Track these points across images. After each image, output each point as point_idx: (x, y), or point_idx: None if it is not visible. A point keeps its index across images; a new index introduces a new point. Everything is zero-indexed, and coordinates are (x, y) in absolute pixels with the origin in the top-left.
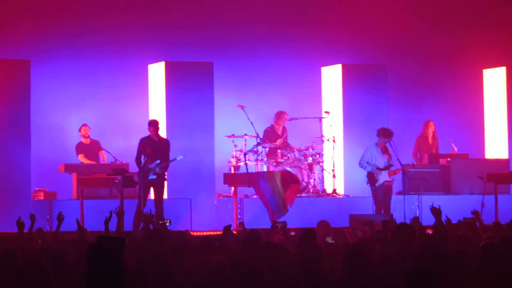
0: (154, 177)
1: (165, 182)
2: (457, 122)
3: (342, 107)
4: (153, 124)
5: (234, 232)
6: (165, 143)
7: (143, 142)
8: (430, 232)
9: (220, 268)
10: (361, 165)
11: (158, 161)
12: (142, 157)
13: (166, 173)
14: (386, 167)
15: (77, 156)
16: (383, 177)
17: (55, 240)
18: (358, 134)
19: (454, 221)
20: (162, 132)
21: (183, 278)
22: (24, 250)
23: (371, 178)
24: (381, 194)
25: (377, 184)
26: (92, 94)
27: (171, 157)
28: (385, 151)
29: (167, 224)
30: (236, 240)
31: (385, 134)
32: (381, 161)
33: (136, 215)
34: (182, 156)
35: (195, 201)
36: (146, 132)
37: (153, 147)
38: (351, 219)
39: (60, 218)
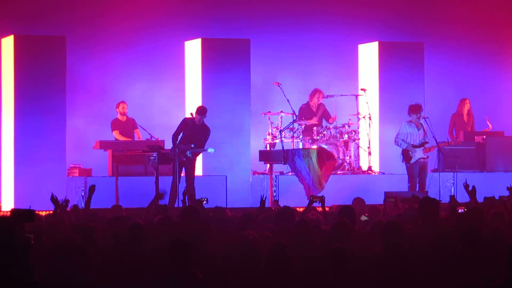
0: (184, 159)
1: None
2: (492, 99)
3: (378, 85)
4: (201, 112)
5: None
6: (205, 131)
7: (186, 123)
8: (461, 210)
9: (247, 243)
10: (396, 142)
11: (193, 145)
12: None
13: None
14: (421, 144)
15: (112, 132)
16: (418, 154)
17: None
18: (394, 112)
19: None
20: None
21: (213, 253)
22: (58, 228)
23: (406, 155)
24: (416, 172)
25: (412, 162)
26: (129, 71)
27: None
28: (420, 128)
29: (204, 202)
30: (271, 216)
31: (415, 109)
32: (416, 138)
33: (172, 191)
34: (213, 150)
35: (230, 178)
36: (182, 108)
37: (193, 131)
38: (386, 196)
39: (92, 190)
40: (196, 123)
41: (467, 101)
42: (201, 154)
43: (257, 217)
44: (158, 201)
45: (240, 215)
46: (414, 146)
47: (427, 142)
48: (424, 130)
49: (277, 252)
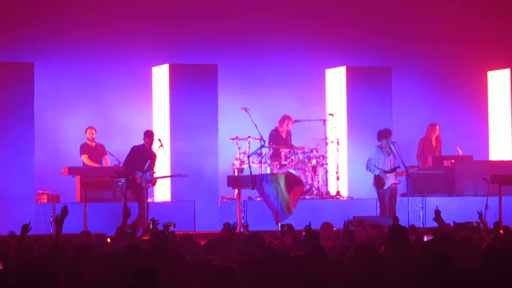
0: (149, 185)
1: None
2: (461, 124)
3: (346, 109)
4: (148, 135)
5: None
6: (153, 156)
7: (137, 150)
8: (427, 238)
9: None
10: (368, 168)
11: (153, 172)
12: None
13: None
14: (393, 170)
15: (80, 156)
16: (390, 180)
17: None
18: (362, 137)
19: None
20: (166, 135)
21: (183, 279)
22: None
23: (378, 182)
24: (387, 197)
25: (385, 188)
26: (96, 96)
27: (172, 168)
28: (390, 153)
29: (171, 227)
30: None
31: (385, 134)
32: (387, 164)
33: (138, 218)
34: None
35: (199, 203)
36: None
37: (146, 157)
38: (355, 220)
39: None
40: (147, 148)
41: (437, 127)
42: (168, 179)
43: (223, 242)
44: (63, 219)
45: (206, 241)
46: (386, 172)
47: (398, 167)
48: (393, 155)
49: (312, 281)
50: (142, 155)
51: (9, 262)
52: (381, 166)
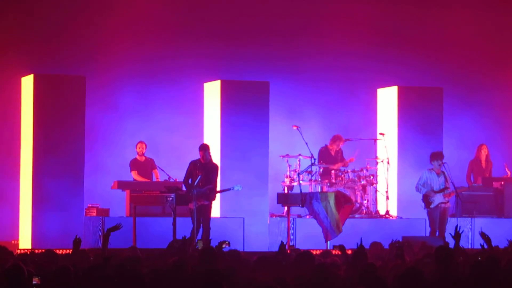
0: (206, 202)
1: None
2: (510, 146)
3: (397, 129)
4: (203, 149)
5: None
6: (215, 169)
7: (194, 165)
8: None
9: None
10: (417, 189)
11: (210, 186)
12: (190, 180)
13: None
14: (441, 190)
15: (130, 172)
16: (438, 199)
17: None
18: (412, 156)
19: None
20: (217, 151)
21: None
22: (77, 267)
23: (426, 200)
24: (437, 217)
25: (431, 206)
26: (148, 111)
27: (223, 184)
28: (440, 175)
29: (225, 245)
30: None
31: (436, 156)
32: (436, 184)
33: (191, 238)
34: (240, 187)
35: (248, 220)
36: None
37: (204, 171)
38: (404, 240)
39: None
40: (203, 161)
41: (485, 147)
42: (218, 196)
43: (273, 260)
44: (110, 233)
45: (255, 258)
46: (434, 191)
47: (447, 188)
48: (445, 177)
49: None
50: (200, 170)
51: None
52: (429, 187)
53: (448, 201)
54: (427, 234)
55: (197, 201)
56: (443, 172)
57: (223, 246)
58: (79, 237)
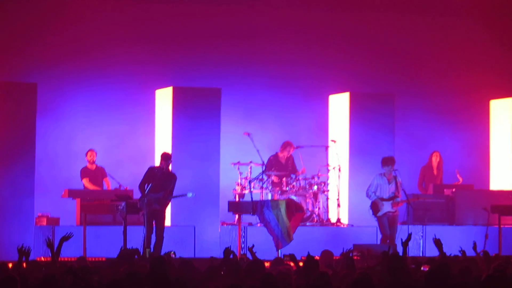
0: (158, 207)
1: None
2: (463, 153)
3: (348, 136)
4: (165, 158)
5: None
6: (173, 178)
7: (152, 171)
8: (424, 268)
9: None
10: (367, 194)
11: (163, 193)
12: (146, 185)
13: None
14: (390, 198)
15: (81, 180)
16: (386, 207)
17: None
18: (364, 164)
19: (457, 252)
20: None
21: None
22: (26, 278)
23: (374, 208)
24: (385, 224)
25: (379, 214)
26: (98, 118)
27: (175, 192)
28: (392, 181)
29: (172, 255)
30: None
31: (387, 162)
32: (386, 191)
33: (144, 244)
34: (192, 194)
35: (199, 228)
36: (151, 158)
37: (161, 179)
38: (355, 249)
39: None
40: (164, 170)
41: (438, 154)
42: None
43: (221, 269)
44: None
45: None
46: (383, 199)
47: (397, 197)
48: (396, 184)
49: None
50: (158, 177)
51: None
52: (379, 193)
53: (396, 210)
54: (379, 242)
55: (149, 206)
56: (394, 178)
57: (170, 255)
58: (27, 246)
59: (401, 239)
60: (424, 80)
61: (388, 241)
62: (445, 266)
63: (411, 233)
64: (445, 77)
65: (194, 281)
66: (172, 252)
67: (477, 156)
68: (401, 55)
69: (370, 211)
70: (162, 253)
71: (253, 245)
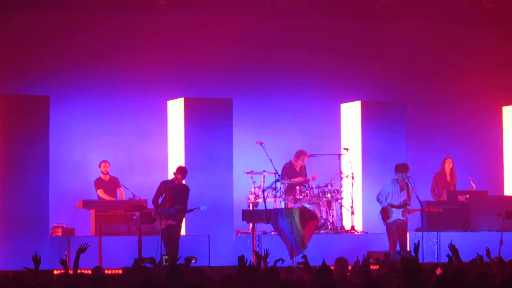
0: (174, 222)
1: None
2: (476, 159)
3: (361, 144)
4: (183, 172)
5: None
6: (186, 191)
7: (165, 185)
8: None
9: None
10: (378, 199)
11: (178, 207)
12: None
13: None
14: (401, 206)
15: (96, 191)
16: (396, 214)
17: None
18: (376, 171)
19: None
20: None
21: None
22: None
23: (384, 214)
24: (394, 231)
25: (389, 221)
26: (111, 130)
27: (190, 204)
28: (404, 188)
29: (193, 261)
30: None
31: (400, 168)
32: (398, 198)
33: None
34: (205, 207)
35: (213, 237)
36: (164, 168)
37: (175, 192)
38: (370, 256)
39: (81, 250)
40: (177, 183)
41: (450, 161)
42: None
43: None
44: (79, 255)
45: (221, 276)
46: (393, 206)
47: (408, 204)
48: (408, 192)
49: None
50: (172, 190)
51: None
52: (390, 200)
53: (406, 218)
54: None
55: (164, 221)
56: (406, 185)
57: (192, 261)
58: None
59: (414, 244)
60: (436, 87)
61: (397, 249)
62: (460, 272)
63: (419, 241)
64: (456, 84)
65: None
66: (194, 258)
67: (490, 162)
68: (412, 62)
69: (380, 216)
70: (184, 258)
71: (267, 251)
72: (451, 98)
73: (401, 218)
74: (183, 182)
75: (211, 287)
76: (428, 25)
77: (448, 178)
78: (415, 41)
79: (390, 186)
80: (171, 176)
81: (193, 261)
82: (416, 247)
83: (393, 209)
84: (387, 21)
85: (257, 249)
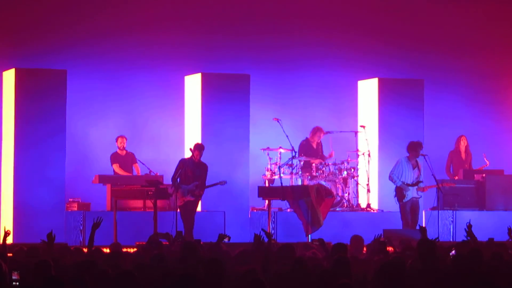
0: (192, 198)
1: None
2: (493, 137)
3: (378, 122)
4: (200, 148)
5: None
6: (205, 168)
7: (184, 163)
8: (453, 252)
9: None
10: (391, 178)
11: (197, 183)
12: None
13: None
14: (415, 184)
15: (111, 165)
16: (411, 193)
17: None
18: (393, 149)
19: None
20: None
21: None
22: (58, 263)
23: (399, 193)
24: (408, 209)
25: (404, 200)
26: (128, 105)
27: (208, 181)
28: (415, 166)
29: (226, 239)
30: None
31: (414, 147)
32: (410, 177)
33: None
34: (225, 182)
35: (229, 214)
36: (181, 143)
37: (193, 170)
38: (385, 234)
39: (96, 226)
40: (196, 160)
41: (464, 138)
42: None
43: (253, 253)
44: (95, 230)
45: (236, 251)
46: (408, 185)
47: (421, 182)
48: (419, 169)
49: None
50: (190, 167)
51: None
52: (403, 178)
53: (420, 196)
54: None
55: (183, 197)
56: (417, 164)
57: (224, 240)
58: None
59: (466, 224)
60: (453, 64)
61: (409, 227)
62: (476, 251)
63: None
64: (474, 61)
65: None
66: (227, 237)
67: (508, 141)
68: (430, 39)
69: (395, 196)
70: (201, 237)
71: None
72: (468, 75)
73: (416, 195)
74: (200, 159)
75: (226, 263)
76: (451, 2)
77: (463, 156)
78: (434, 16)
79: (402, 164)
80: (187, 152)
81: (225, 239)
82: (469, 228)
83: (408, 187)
84: None
85: (273, 226)
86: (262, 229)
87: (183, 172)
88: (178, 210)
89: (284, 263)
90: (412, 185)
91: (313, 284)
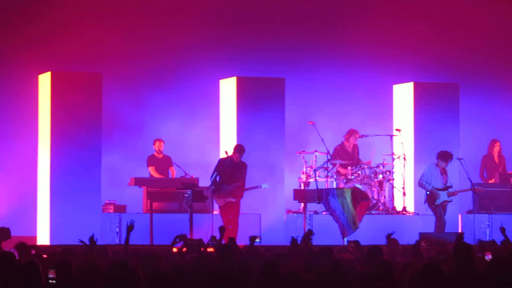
0: (234, 199)
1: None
2: None
3: (413, 125)
4: (241, 150)
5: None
6: (244, 168)
7: (223, 163)
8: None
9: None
10: (420, 184)
11: (237, 184)
12: (218, 178)
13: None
14: (444, 188)
15: (147, 167)
16: (442, 196)
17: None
18: (429, 153)
19: None
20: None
21: None
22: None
23: (431, 198)
24: (442, 214)
25: (436, 203)
26: (164, 108)
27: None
28: (443, 172)
29: (257, 240)
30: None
31: (445, 158)
32: (439, 182)
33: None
34: (267, 185)
35: (264, 216)
36: (216, 147)
37: (233, 169)
38: (421, 237)
39: (130, 228)
40: (235, 161)
41: (497, 143)
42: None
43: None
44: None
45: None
46: (438, 189)
47: (450, 187)
48: (446, 174)
49: None
50: (230, 167)
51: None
52: (433, 184)
53: (451, 200)
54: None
55: (224, 198)
56: (445, 171)
57: (255, 240)
58: (95, 237)
59: (499, 227)
60: (488, 69)
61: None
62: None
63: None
64: (509, 64)
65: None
66: (258, 237)
67: None
68: (466, 43)
69: (425, 202)
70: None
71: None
72: (503, 79)
73: (448, 199)
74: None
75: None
76: (486, 6)
77: (496, 160)
78: (471, 21)
79: (431, 170)
80: (222, 155)
81: (257, 240)
82: (503, 231)
83: (439, 192)
84: (441, 1)
85: (308, 229)
86: (309, 230)
87: (223, 172)
88: (217, 212)
89: (323, 265)
90: (442, 189)
91: (351, 285)
